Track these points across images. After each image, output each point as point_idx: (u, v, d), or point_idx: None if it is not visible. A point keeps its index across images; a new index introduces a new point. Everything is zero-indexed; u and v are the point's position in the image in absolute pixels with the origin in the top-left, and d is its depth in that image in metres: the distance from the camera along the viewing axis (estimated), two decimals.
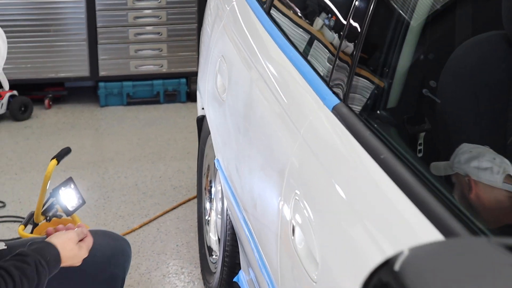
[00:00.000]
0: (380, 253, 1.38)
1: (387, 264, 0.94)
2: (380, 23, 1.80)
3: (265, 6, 2.49)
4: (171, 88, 5.22)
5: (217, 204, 3.16)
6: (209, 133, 3.11)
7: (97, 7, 4.95)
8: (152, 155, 4.48)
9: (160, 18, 5.07)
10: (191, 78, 5.21)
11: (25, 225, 3.03)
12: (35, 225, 3.04)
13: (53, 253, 2.02)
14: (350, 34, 1.84)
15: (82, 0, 4.92)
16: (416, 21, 1.76)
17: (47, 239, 2.06)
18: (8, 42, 2.13)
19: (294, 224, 1.73)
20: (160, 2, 5.04)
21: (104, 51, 5.06)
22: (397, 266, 0.90)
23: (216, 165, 2.72)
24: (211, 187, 3.27)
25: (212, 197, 3.27)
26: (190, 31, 5.13)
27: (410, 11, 1.76)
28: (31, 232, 3.02)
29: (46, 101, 5.12)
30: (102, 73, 5.10)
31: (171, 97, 5.23)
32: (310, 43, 2.18)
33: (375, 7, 1.76)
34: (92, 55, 5.04)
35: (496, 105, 1.73)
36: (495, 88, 1.73)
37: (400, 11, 1.78)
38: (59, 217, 3.03)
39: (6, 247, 2.31)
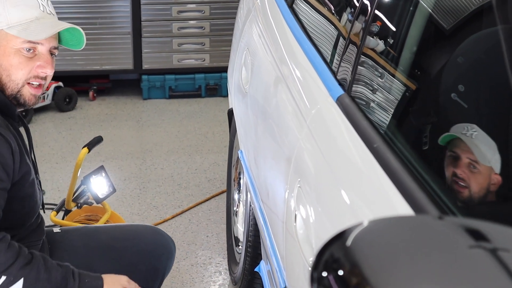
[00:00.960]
0: None
1: (341, 237, 0.96)
2: (386, 14, 1.81)
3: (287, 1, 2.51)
4: (213, 82, 5.26)
5: (244, 195, 3.19)
6: None
7: (142, 1, 5.01)
8: (190, 148, 4.53)
9: (204, 13, 5.12)
10: None
11: (57, 212, 3.10)
12: (66, 211, 3.10)
13: (96, 283, 2.07)
14: (357, 23, 1.87)
15: None
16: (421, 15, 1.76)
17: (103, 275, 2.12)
18: None
19: (296, 211, 1.76)
20: None
21: (148, 45, 5.12)
22: (349, 241, 0.90)
23: (239, 156, 2.75)
24: (239, 178, 3.31)
25: (241, 188, 3.30)
26: (232, 26, 5.15)
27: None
28: (63, 219, 3.09)
29: (91, 93, 5.22)
30: (145, 66, 5.16)
31: (212, 91, 5.28)
32: (324, 35, 2.20)
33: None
34: (136, 48, 5.10)
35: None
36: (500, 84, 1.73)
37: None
38: (90, 204, 3.08)
39: (60, 230, 2.43)
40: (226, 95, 5.26)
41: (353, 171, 1.60)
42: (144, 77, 5.20)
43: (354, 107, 1.70)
